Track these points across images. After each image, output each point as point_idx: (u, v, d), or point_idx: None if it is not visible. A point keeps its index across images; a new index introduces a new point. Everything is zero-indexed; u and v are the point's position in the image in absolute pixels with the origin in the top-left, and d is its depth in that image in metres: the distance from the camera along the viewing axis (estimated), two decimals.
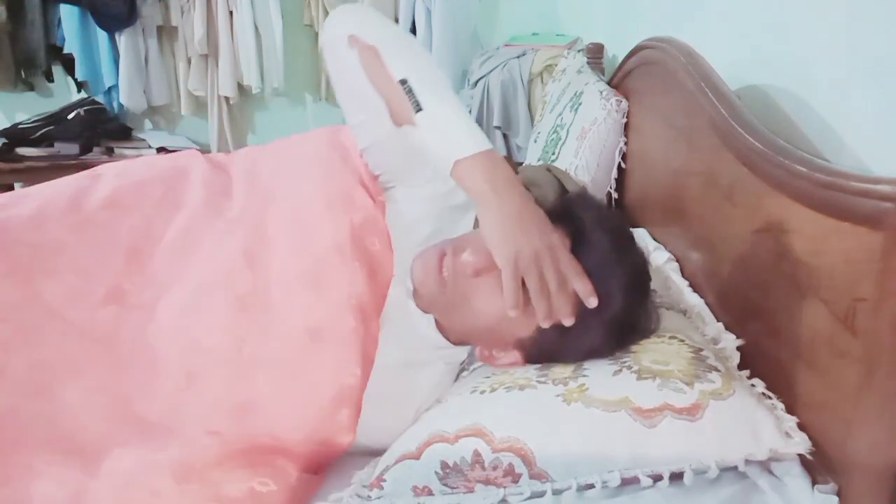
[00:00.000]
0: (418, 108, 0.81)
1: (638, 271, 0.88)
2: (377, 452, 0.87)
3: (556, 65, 2.17)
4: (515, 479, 0.77)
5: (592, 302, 0.79)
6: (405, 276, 0.95)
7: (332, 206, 0.94)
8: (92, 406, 0.85)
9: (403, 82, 0.82)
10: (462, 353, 0.99)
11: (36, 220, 0.96)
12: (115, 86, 2.84)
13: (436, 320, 0.94)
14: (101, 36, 2.78)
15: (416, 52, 0.91)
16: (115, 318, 0.92)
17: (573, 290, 0.79)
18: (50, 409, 0.85)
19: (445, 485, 0.79)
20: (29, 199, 1.01)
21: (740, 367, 0.91)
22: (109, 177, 1.05)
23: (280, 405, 0.85)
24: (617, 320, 0.83)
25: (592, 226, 0.83)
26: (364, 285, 0.88)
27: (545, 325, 0.80)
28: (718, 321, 1.00)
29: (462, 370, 0.99)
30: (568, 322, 0.79)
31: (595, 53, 2.00)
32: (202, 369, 0.87)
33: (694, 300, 1.08)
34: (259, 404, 0.85)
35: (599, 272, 0.81)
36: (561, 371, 0.85)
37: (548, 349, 0.88)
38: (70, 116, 2.76)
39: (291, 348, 0.87)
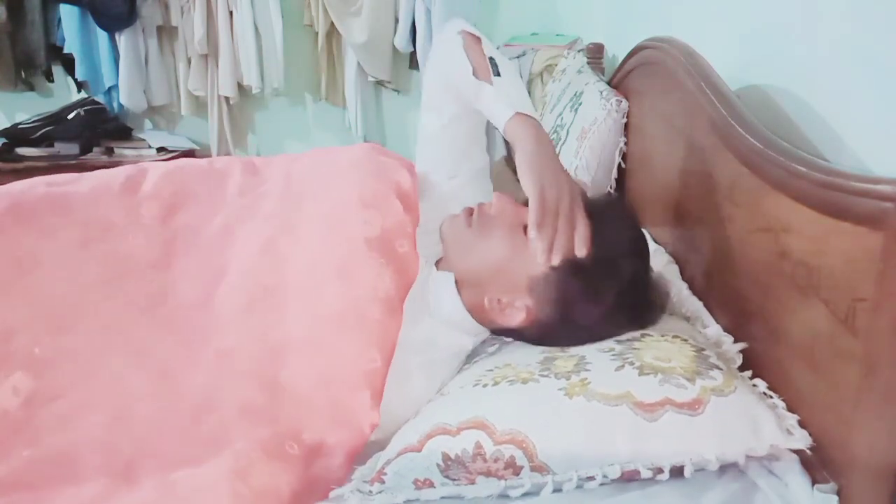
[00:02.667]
0: (497, 73, 0.99)
1: (640, 240, 0.98)
2: (376, 445, 0.88)
3: (556, 65, 2.17)
4: (516, 471, 0.78)
5: (582, 251, 0.87)
6: (430, 258, 1.03)
7: (367, 205, 1.01)
8: (136, 376, 0.91)
9: (491, 59, 1.01)
10: (468, 342, 1.01)
11: (93, 196, 1.05)
12: (115, 86, 2.84)
13: (455, 281, 0.99)
14: (101, 36, 2.79)
15: (505, 56, 1.08)
16: (155, 299, 0.98)
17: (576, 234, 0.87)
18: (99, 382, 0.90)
19: (447, 477, 0.79)
20: (84, 179, 1.09)
21: (742, 369, 0.91)
22: (154, 172, 1.12)
23: (304, 383, 0.89)
24: (625, 280, 0.90)
25: (602, 200, 0.98)
26: (390, 281, 0.94)
27: (542, 258, 0.86)
28: (718, 322, 1.00)
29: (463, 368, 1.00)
30: (556, 261, 0.86)
31: (595, 53, 2.00)
32: (232, 348, 0.92)
33: (693, 304, 1.08)
34: (286, 383, 0.89)
35: (609, 233, 0.91)
36: (563, 365, 0.86)
37: (556, 299, 0.91)
38: (70, 116, 2.77)
39: (315, 332, 0.92)
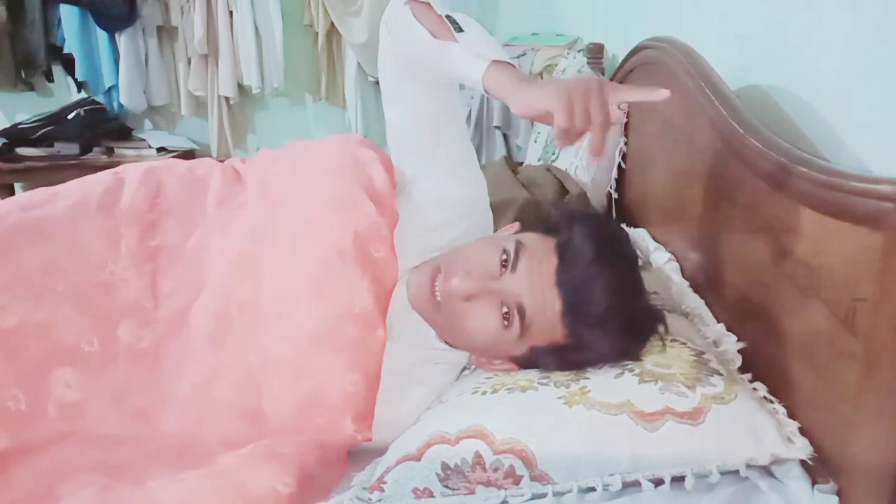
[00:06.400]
0: (459, 31, 0.89)
1: (623, 282, 0.85)
2: (376, 451, 0.88)
3: (556, 65, 2.17)
4: (516, 480, 0.77)
5: (661, 93, 0.77)
6: (413, 258, 0.97)
7: (336, 210, 0.95)
8: (114, 419, 0.87)
9: (448, 16, 0.91)
10: (463, 357, 0.99)
11: (70, 219, 0.97)
12: (115, 86, 2.84)
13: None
14: (101, 36, 2.79)
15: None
16: (132, 331, 0.93)
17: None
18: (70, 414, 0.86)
19: (446, 486, 0.79)
20: (59, 198, 1.00)
21: (742, 369, 0.91)
22: (131, 182, 1.04)
23: (286, 409, 0.86)
24: (613, 333, 0.83)
25: (579, 237, 0.84)
26: (366, 292, 0.89)
27: (595, 157, 0.83)
28: (719, 322, 1.00)
29: (463, 370, 0.99)
30: (596, 159, 0.83)
31: (595, 53, 2.00)
32: (210, 378, 0.88)
33: (694, 301, 1.08)
34: (268, 411, 0.87)
35: (584, 286, 0.82)
36: (563, 373, 0.85)
37: (541, 368, 0.89)
38: (70, 116, 2.76)
39: (294, 354, 0.88)
